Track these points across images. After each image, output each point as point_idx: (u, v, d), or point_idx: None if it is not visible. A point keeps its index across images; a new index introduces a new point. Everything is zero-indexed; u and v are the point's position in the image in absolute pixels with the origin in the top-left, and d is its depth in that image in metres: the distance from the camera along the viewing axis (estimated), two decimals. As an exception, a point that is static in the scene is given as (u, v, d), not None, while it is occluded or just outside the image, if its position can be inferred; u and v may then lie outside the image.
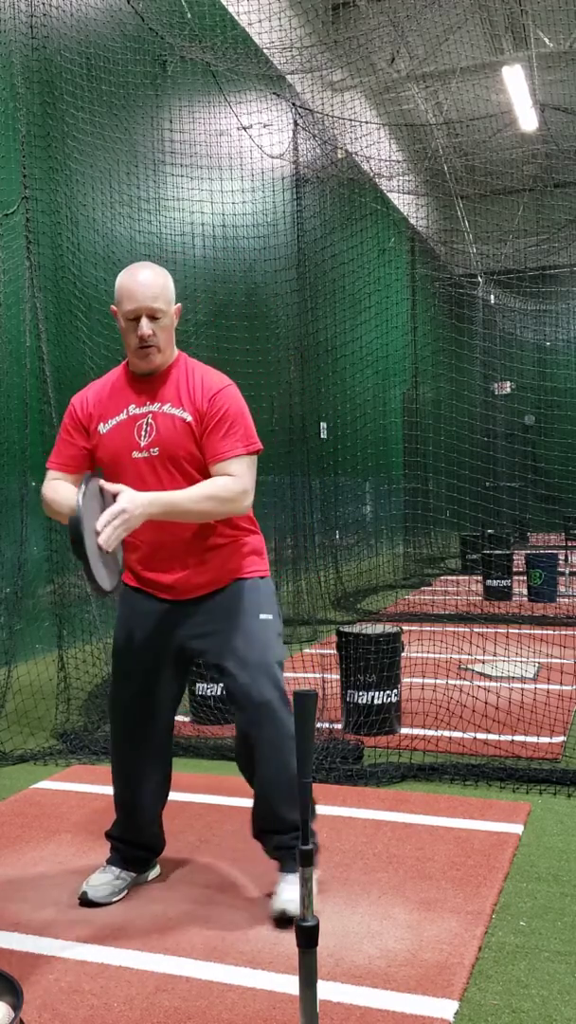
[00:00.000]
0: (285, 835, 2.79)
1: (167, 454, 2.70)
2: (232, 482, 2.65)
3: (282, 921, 2.70)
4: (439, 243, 15.60)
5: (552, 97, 13.54)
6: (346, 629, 4.99)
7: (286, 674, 2.91)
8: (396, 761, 4.25)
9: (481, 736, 4.57)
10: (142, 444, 2.71)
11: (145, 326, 2.67)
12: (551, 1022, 2.26)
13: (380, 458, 12.33)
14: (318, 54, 9.71)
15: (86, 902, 2.90)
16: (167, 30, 7.55)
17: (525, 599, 9.71)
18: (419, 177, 13.88)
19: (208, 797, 3.85)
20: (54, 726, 4.94)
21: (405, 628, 5.19)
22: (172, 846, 3.24)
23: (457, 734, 4.61)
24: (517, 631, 6.92)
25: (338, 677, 4.97)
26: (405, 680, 5.16)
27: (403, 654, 4.89)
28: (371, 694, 4.73)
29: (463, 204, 14.97)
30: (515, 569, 10.28)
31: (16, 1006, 1.67)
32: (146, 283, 2.69)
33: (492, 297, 15.52)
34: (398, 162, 12.83)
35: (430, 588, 11.06)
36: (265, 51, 9.18)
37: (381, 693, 4.74)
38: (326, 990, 2.37)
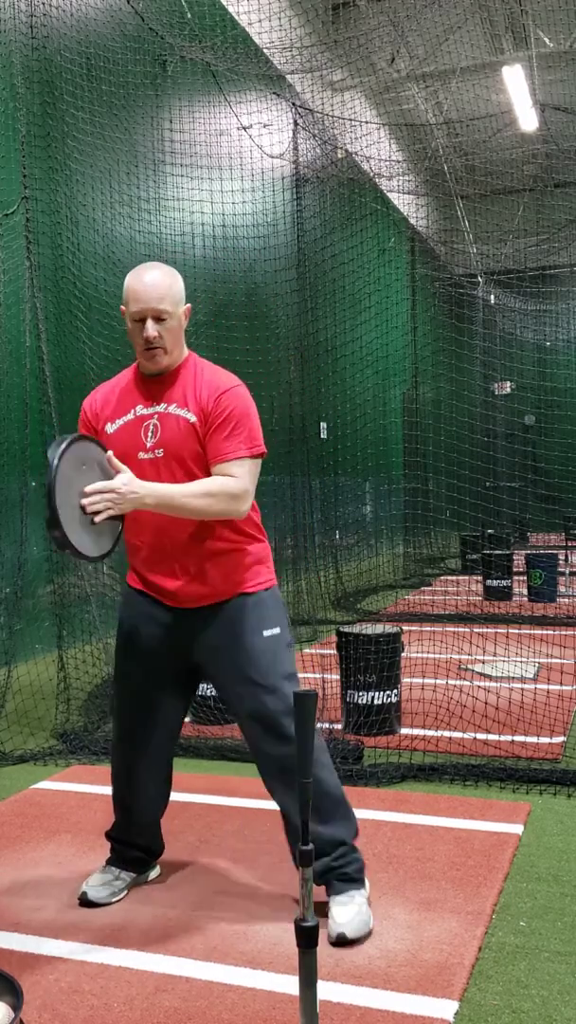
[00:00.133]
0: (326, 856, 2.71)
1: (172, 455, 2.67)
2: (231, 482, 2.61)
3: (340, 944, 2.61)
4: (439, 243, 15.60)
5: (552, 97, 13.54)
6: (346, 629, 4.98)
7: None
8: (396, 761, 4.25)
9: (481, 736, 4.57)
10: (148, 445, 2.69)
11: (150, 328, 2.65)
12: (551, 1022, 2.26)
13: (380, 458, 12.33)
14: (318, 54, 9.71)
15: (86, 902, 2.90)
16: (167, 30, 7.55)
17: (525, 599, 9.71)
18: (419, 177, 13.88)
19: (208, 797, 3.85)
20: (54, 726, 4.94)
21: (405, 628, 5.19)
22: (172, 846, 3.24)
23: (457, 734, 4.61)
24: (517, 631, 6.92)
25: (338, 677, 4.97)
26: (405, 680, 5.16)
27: (403, 654, 4.89)
28: (371, 694, 4.73)
29: (463, 204, 14.97)
30: (515, 569, 10.27)
31: (16, 1006, 1.67)
32: (152, 284, 2.67)
33: (492, 297, 15.52)
34: (398, 162, 12.83)
35: (430, 588, 11.06)
36: (265, 51, 9.18)
37: (381, 693, 4.74)
38: (326, 990, 2.37)
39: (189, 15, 8.04)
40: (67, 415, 5.54)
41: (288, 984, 2.40)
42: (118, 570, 6.26)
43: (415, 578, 11.95)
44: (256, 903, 2.90)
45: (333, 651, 5.00)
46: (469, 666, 6.13)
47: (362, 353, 10.17)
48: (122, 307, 2.73)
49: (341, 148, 10.62)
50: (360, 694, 4.75)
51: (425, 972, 2.47)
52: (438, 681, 5.42)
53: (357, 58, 10.99)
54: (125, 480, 2.54)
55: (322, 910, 2.70)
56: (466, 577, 11.43)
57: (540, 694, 5.37)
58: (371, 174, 11.61)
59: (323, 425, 10.94)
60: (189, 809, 3.70)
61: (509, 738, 4.57)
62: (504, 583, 9.95)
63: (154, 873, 3.11)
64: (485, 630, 6.91)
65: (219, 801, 3.80)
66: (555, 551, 11.12)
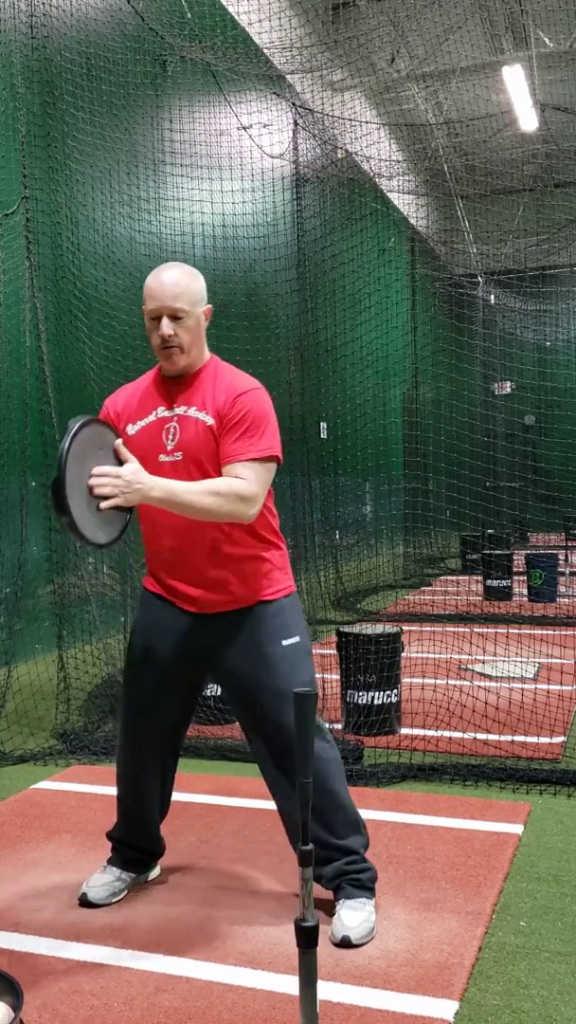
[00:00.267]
0: (338, 862, 2.73)
1: (191, 458, 2.64)
2: (240, 484, 2.56)
3: (343, 946, 2.61)
4: (439, 243, 15.59)
5: (552, 97, 13.54)
6: (346, 629, 4.98)
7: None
8: (396, 761, 4.26)
9: (481, 736, 4.57)
10: (168, 448, 2.67)
11: (165, 326, 2.63)
12: (551, 1022, 2.26)
13: (380, 458, 12.32)
14: (318, 54, 9.70)
15: (86, 902, 2.90)
16: (167, 30, 7.54)
17: (525, 599, 9.70)
18: (419, 177, 13.87)
19: (208, 797, 3.85)
20: (54, 726, 4.94)
21: (405, 628, 5.19)
22: (172, 846, 3.24)
23: (457, 734, 4.61)
24: (517, 631, 6.92)
25: (338, 677, 4.97)
26: (405, 680, 5.16)
27: (403, 654, 4.89)
28: (371, 694, 4.73)
29: (463, 204, 14.97)
30: (515, 569, 10.27)
31: (16, 1006, 1.67)
32: (168, 283, 2.65)
33: (492, 297, 15.52)
34: (398, 162, 12.82)
35: (430, 588, 11.06)
36: (265, 51, 9.17)
37: (381, 693, 4.74)
38: (326, 990, 2.37)
39: (189, 15, 8.04)
40: (67, 415, 5.51)
41: (288, 984, 2.40)
42: (118, 570, 6.26)
43: (415, 578, 11.95)
44: (256, 903, 2.90)
45: (333, 651, 5.00)
46: (469, 666, 6.13)
47: (362, 353, 10.16)
48: (143, 307, 2.72)
49: (341, 148, 10.62)
50: (360, 694, 4.75)
51: (425, 972, 2.47)
52: (438, 681, 5.42)
53: (357, 58, 10.99)
54: (132, 469, 2.53)
55: (324, 910, 2.71)
56: (466, 577, 11.42)
57: (540, 694, 5.37)
58: (371, 174, 11.60)
59: (323, 425, 10.94)
60: (189, 809, 3.70)
61: (509, 738, 4.57)
62: (504, 583, 9.95)
63: (154, 873, 3.11)
64: (485, 630, 6.91)
65: (219, 801, 3.80)
66: (555, 551, 11.12)
